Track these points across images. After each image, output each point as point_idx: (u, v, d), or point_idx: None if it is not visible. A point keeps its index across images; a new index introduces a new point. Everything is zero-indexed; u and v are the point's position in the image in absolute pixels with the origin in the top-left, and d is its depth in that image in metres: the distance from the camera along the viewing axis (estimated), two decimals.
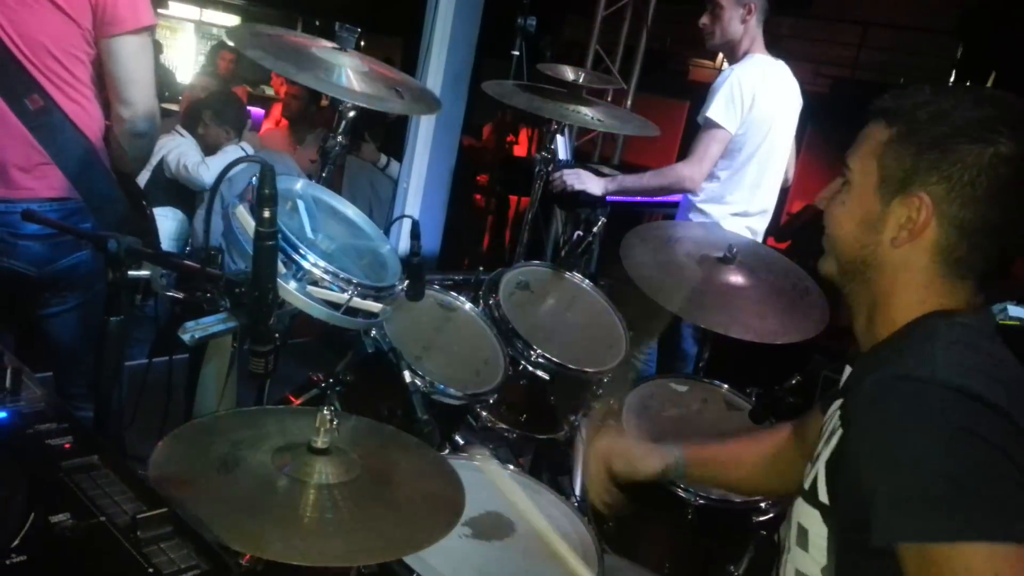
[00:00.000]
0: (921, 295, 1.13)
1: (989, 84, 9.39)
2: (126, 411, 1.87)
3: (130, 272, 1.41)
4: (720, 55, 3.20)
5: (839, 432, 1.11)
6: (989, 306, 1.15)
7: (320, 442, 1.20)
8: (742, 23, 2.96)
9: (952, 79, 8.95)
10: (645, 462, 1.57)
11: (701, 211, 3.05)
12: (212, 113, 4.07)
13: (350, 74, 1.89)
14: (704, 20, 3.04)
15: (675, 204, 3.28)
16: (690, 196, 3.07)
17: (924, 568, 0.93)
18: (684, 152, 3.04)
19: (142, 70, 1.98)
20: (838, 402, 1.21)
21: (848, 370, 1.32)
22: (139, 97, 1.99)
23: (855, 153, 1.17)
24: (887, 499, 0.97)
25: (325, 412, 1.20)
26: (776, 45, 3.08)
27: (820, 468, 1.14)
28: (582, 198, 3.33)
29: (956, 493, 0.92)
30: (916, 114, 1.10)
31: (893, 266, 1.14)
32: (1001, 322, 2.75)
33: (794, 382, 1.87)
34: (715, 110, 2.88)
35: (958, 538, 0.91)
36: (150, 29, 1.98)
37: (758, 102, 2.89)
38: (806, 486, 1.18)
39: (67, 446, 1.06)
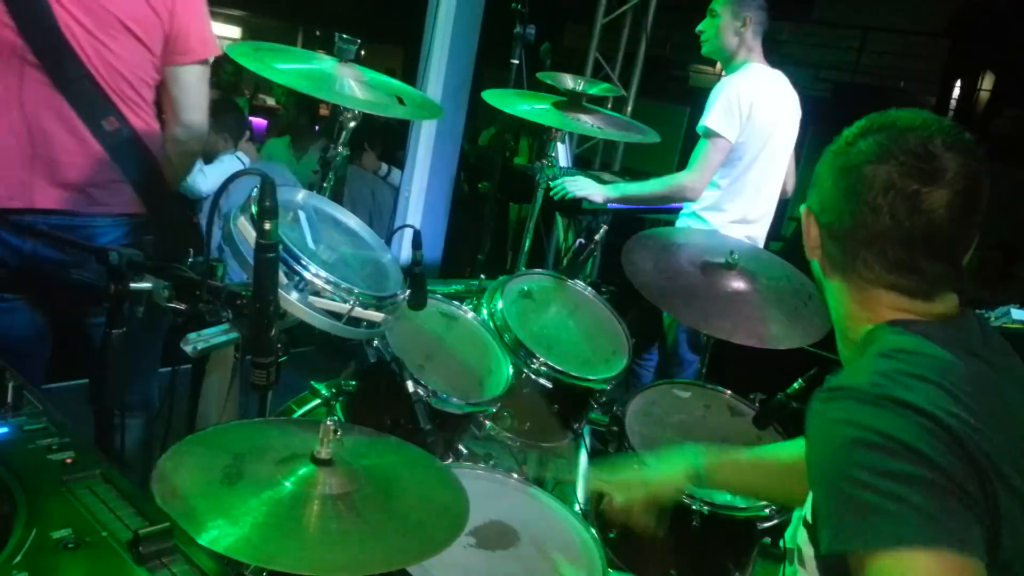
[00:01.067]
0: (866, 308, 1.15)
1: (988, 84, 9.42)
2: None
3: (132, 284, 1.41)
4: (719, 64, 3.22)
5: None
6: (967, 310, 1.15)
7: (324, 453, 1.20)
8: (736, 34, 2.97)
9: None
10: (670, 484, 1.62)
11: (701, 218, 3.06)
12: (211, 120, 4.07)
13: (351, 83, 1.90)
14: (701, 27, 3.06)
15: (677, 211, 3.29)
16: (690, 203, 3.08)
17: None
18: (685, 158, 3.05)
19: (203, 96, 2.10)
20: None
21: None
22: (197, 121, 2.10)
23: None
24: (821, 508, 0.98)
25: (328, 423, 1.20)
26: (776, 50, 3.10)
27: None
28: (585, 204, 3.34)
29: (877, 500, 0.92)
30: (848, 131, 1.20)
31: (826, 280, 1.21)
32: (1004, 326, 2.74)
33: (797, 387, 1.87)
34: (714, 119, 2.89)
35: (878, 545, 0.91)
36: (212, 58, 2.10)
37: (756, 111, 2.89)
38: (805, 507, 1.19)
39: (68, 461, 1.06)
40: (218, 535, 1.01)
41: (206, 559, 0.93)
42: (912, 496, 0.91)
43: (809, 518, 1.13)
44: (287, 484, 1.16)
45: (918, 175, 1.05)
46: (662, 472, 1.63)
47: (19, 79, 1.85)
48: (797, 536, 1.22)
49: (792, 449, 1.61)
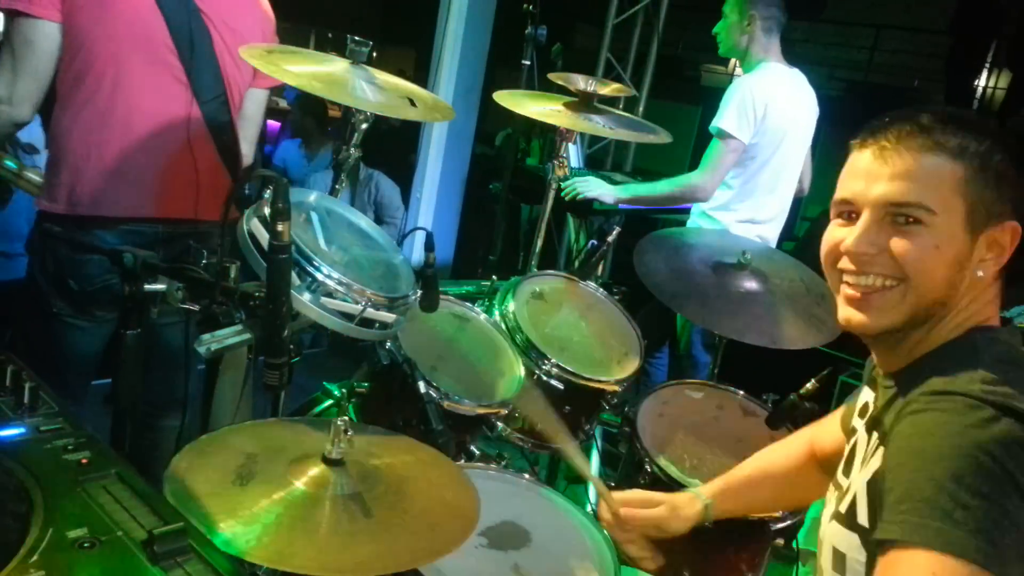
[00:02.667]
0: (972, 310, 1.12)
1: (1005, 84, 9.34)
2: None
3: (146, 286, 1.42)
4: (733, 61, 3.22)
5: (879, 451, 1.09)
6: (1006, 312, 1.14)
7: (335, 453, 1.20)
8: (743, 33, 2.97)
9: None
10: (678, 524, 1.60)
11: (711, 218, 3.05)
12: None
13: (364, 85, 1.90)
14: (716, 28, 3.05)
15: (689, 211, 3.28)
16: (700, 203, 3.07)
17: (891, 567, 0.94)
18: (697, 158, 3.04)
19: (263, 116, 2.35)
20: (863, 421, 1.20)
21: (867, 372, 1.31)
22: (256, 137, 2.33)
23: (933, 195, 1.09)
24: (896, 500, 0.97)
25: (340, 423, 1.20)
26: (789, 50, 3.08)
27: (860, 490, 1.10)
28: (597, 205, 3.33)
29: (956, 508, 0.92)
30: (977, 142, 1.10)
31: (967, 296, 1.12)
32: (1020, 324, 2.71)
33: (810, 388, 1.86)
34: (727, 120, 2.88)
35: (930, 546, 0.91)
36: None
37: (771, 111, 2.88)
38: (841, 509, 1.15)
39: (84, 461, 1.07)
40: (231, 535, 1.02)
41: (220, 558, 0.93)
42: (994, 519, 0.91)
43: (864, 521, 1.09)
44: (299, 484, 1.16)
45: None
46: (672, 511, 1.62)
47: (162, 97, 2.01)
48: (827, 537, 1.18)
49: (781, 454, 1.60)
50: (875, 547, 0.98)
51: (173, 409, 2.17)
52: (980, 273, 1.10)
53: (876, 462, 1.08)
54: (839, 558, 1.14)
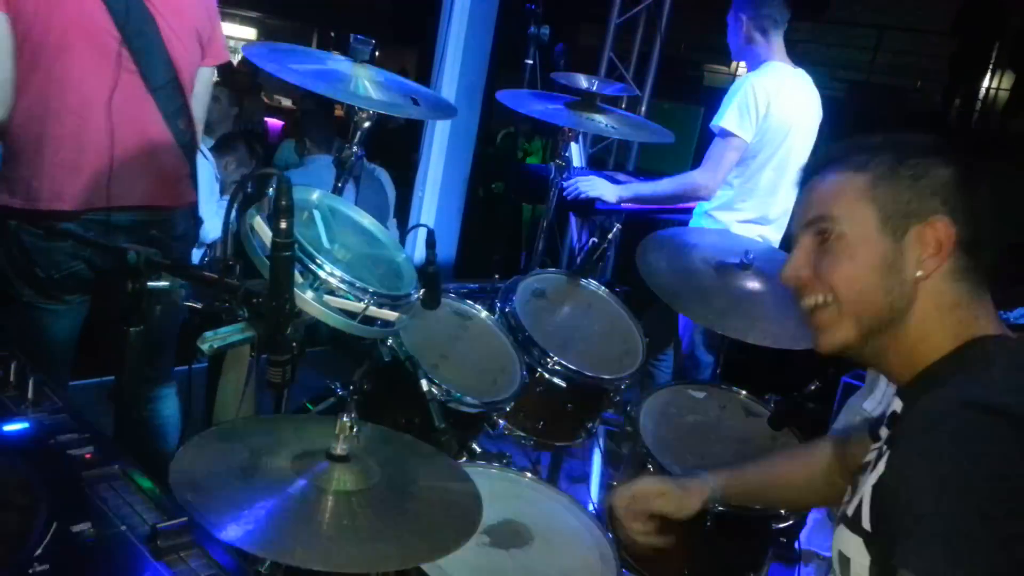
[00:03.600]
0: (957, 316, 1.11)
1: (1009, 85, 9.32)
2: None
3: (149, 283, 1.42)
4: (734, 63, 3.23)
5: (887, 455, 1.08)
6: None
7: (339, 449, 1.20)
8: (739, 35, 3.00)
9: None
10: (686, 502, 1.55)
11: (713, 218, 3.05)
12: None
13: (366, 83, 1.90)
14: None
15: (692, 211, 3.28)
16: (703, 203, 3.07)
17: None
18: (700, 157, 3.04)
19: (209, 95, 2.33)
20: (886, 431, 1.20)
21: (869, 378, 1.31)
22: (201, 117, 2.29)
23: (835, 204, 1.13)
24: (926, 527, 0.93)
25: (345, 419, 1.20)
26: (791, 50, 3.08)
27: (866, 493, 1.10)
28: (599, 204, 3.33)
29: (987, 533, 0.90)
30: (884, 155, 1.12)
31: (921, 300, 1.11)
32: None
33: (812, 388, 1.86)
34: (728, 119, 2.88)
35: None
36: None
37: (773, 110, 2.88)
38: (849, 512, 1.14)
39: (88, 456, 1.07)
40: (235, 530, 1.02)
41: (223, 553, 0.93)
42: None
43: (867, 525, 1.08)
44: (303, 480, 1.16)
45: None
46: (681, 488, 1.58)
47: (112, 85, 1.98)
48: (836, 541, 1.16)
49: (802, 452, 1.59)
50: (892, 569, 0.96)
51: (166, 381, 2.29)
52: (919, 272, 1.09)
53: (881, 467, 1.08)
54: (844, 562, 1.13)
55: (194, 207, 2.29)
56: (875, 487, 1.08)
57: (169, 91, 2.08)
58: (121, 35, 1.96)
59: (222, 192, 4.03)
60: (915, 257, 1.10)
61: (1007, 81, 9.42)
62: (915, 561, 0.92)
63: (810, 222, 1.16)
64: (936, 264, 1.09)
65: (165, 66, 2.06)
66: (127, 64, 1.99)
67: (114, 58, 1.97)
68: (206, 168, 3.89)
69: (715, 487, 1.56)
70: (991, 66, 9.32)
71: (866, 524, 1.09)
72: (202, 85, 2.23)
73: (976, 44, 8.62)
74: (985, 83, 9.55)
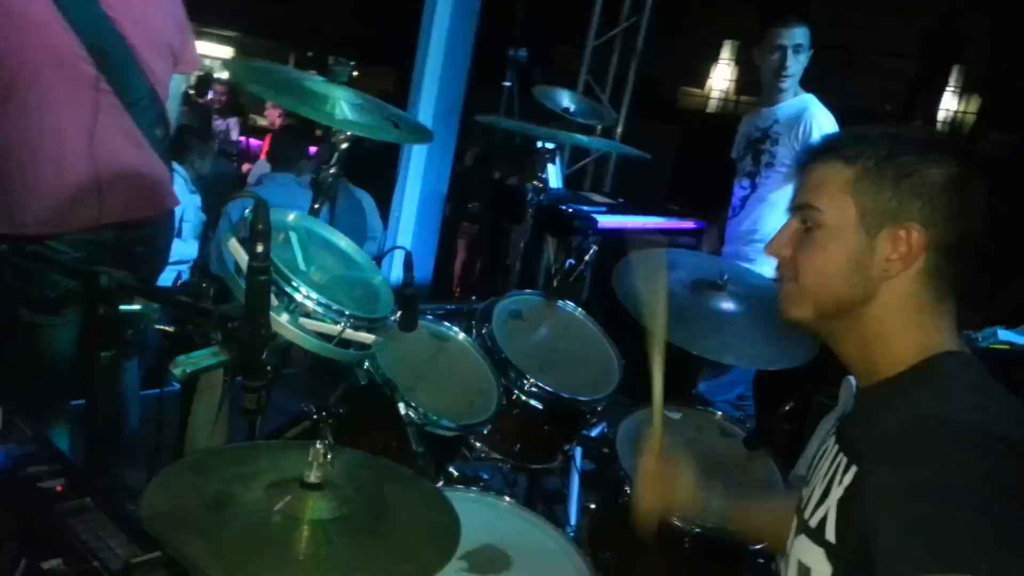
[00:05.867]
0: (917, 321, 1.13)
1: (975, 108, 9.53)
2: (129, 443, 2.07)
3: (122, 306, 1.40)
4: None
5: (853, 470, 1.08)
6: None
7: (313, 477, 1.19)
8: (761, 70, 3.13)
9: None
10: (696, 500, 1.54)
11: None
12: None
13: (344, 105, 1.90)
14: None
15: (668, 231, 3.30)
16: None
17: None
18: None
19: (178, 102, 2.35)
20: (833, 436, 1.20)
21: (843, 397, 1.32)
22: (171, 123, 2.29)
23: (820, 195, 1.16)
24: (903, 534, 0.94)
25: (318, 446, 1.19)
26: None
27: (831, 506, 1.10)
28: (575, 225, 3.35)
29: (974, 538, 0.90)
30: (876, 149, 1.13)
31: (883, 297, 1.13)
32: (990, 346, 2.75)
33: (787, 408, 1.87)
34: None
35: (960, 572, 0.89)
36: None
37: None
38: (812, 523, 1.14)
39: (60, 488, 1.05)
40: (208, 563, 1.00)
41: None
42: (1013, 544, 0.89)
43: (831, 537, 1.08)
44: (277, 509, 1.14)
45: None
46: (700, 498, 1.55)
47: (93, 109, 1.99)
48: (794, 551, 1.17)
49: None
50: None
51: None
52: (884, 272, 1.12)
53: (847, 480, 1.08)
54: (804, 571, 1.14)
55: (173, 212, 2.32)
56: (841, 502, 1.08)
57: (146, 103, 2.09)
58: (93, 59, 1.96)
59: (200, 191, 4.02)
60: (883, 257, 1.12)
61: (973, 105, 9.63)
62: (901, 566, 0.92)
63: (798, 207, 1.20)
64: (901, 268, 1.12)
65: (140, 81, 2.07)
66: (103, 87, 2.00)
67: (90, 82, 1.98)
68: (180, 185, 3.86)
69: (719, 506, 1.55)
70: (960, 90, 9.52)
71: (830, 536, 1.09)
72: (174, 91, 2.25)
73: (934, 68, 8.82)
74: (953, 107, 9.75)
